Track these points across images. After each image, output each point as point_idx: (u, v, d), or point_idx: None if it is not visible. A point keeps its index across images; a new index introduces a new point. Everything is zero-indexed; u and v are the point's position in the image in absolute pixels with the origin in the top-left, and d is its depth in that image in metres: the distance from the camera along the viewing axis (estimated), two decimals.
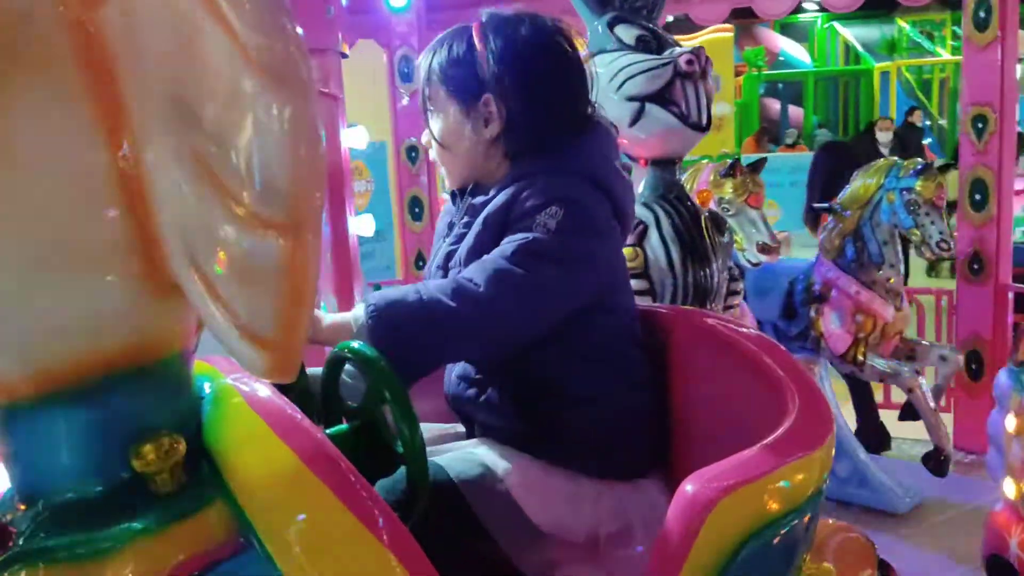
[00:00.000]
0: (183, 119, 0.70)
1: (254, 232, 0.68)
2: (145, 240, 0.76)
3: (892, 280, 3.46)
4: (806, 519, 1.05)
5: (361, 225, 3.57)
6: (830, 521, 1.36)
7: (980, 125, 3.96)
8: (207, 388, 0.98)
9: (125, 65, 0.72)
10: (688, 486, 0.98)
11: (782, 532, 1.02)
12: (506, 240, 1.26)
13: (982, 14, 3.89)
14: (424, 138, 1.44)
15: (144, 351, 0.85)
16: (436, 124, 1.40)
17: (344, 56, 3.38)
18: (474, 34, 1.35)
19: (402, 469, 1.05)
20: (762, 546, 0.99)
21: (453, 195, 1.47)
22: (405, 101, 4.60)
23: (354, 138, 3.50)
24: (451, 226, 1.43)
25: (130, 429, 0.84)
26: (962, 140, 4.09)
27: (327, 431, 1.06)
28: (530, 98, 1.34)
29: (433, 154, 1.45)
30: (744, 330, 1.33)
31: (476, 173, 1.40)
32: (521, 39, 1.34)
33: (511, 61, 1.32)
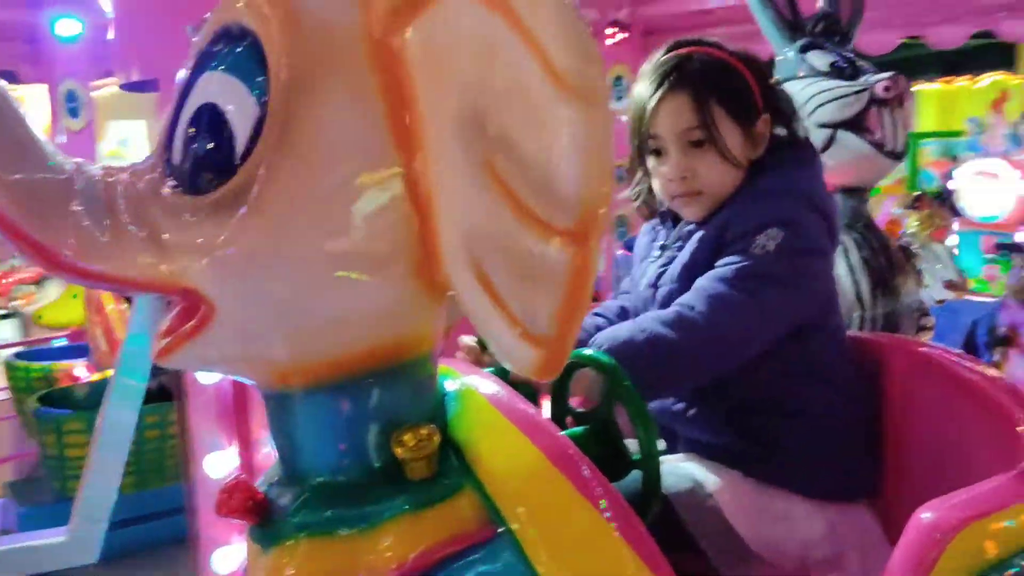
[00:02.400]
0: (477, 132, 0.76)
1: (541, 237, 0.74)
2: (423, 245, 0.83)
3: None
4: None
5: None
6: None
7: None
8: (448, 386, 1.05)
9: (424, 83, 0.78)
10: (925, 513, 0.97)
11: (1020, 569, 0.98)
12: (722, 262, 1.28)
13: None
14: (680, 172, 1.37)
15: (405, 348, 0.91)
16: (708, 152, 1.35)
17: None
18: (729, 60, 1.38)
19: (632, 475, 1.08)
20: None
21: (662, 216, 1.50)
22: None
23: None
24: (663, 248, 1.45)
25: (388, 419, 0.90)
26: None
27: (564, 432, 1.11)
28: (780, 118, 1.39)
29: (675, 187, 1.39)
30: (969, 363, 1.29)
31: (724, 198, 1.38)
32: (764, 65, 1.41)
33: (767, 85, 1.39)
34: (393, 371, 0.91)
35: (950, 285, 2.87)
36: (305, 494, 0.92)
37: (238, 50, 0.81)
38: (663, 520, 1.21)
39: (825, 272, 1.37)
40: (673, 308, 1.27)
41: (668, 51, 1.40)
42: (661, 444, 1.45)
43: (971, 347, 3.45)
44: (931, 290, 2.94)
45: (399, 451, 0.89)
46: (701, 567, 1.25)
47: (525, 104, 0.72)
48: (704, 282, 1.28)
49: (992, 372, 1.29)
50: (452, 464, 0.94)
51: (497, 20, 0.72)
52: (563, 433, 1.06)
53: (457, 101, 0.77)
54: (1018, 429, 1.12)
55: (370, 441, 0.91)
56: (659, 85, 1.36)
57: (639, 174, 1.48)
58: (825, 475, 1.30)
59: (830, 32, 2.53)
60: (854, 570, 1.23)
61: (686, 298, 1.27)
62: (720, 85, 1.36)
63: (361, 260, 0.82)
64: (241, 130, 0.79)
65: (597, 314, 1.55)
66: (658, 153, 1.40)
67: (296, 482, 0.93)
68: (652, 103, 1.36)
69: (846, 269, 2.39)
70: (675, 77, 1.36)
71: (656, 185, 1.43)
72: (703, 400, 1.35)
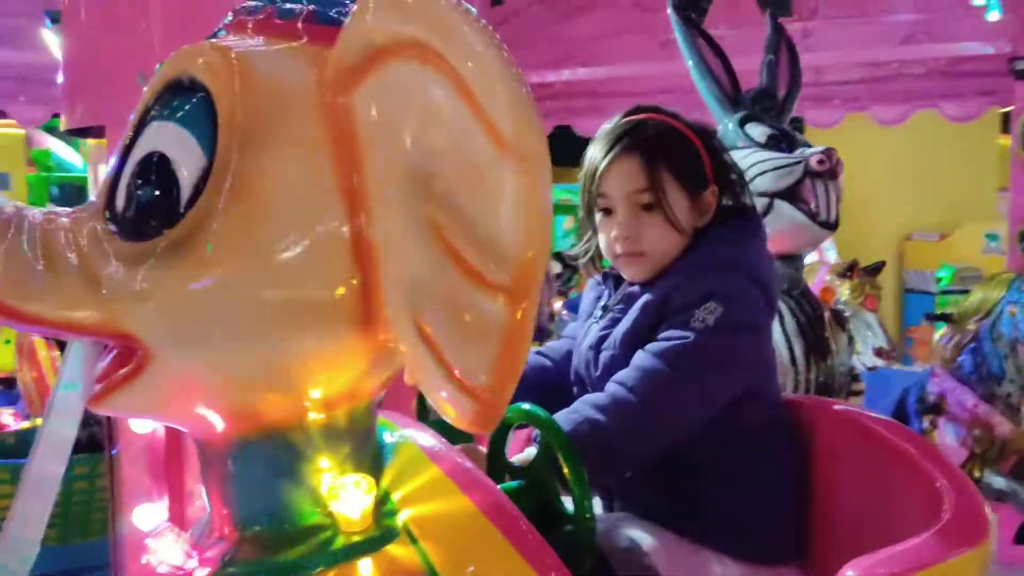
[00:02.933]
0: (422, 190, 0.78)
1: (481, 292, 0.76)
2: (365, 298, 0.84)
3: (1012, 395, 3.35)
4: None
5: None
6: None
7: None
8: (387, 438, 1.05)
9: (370, 142, 0.81)
10: (848, 573, 0.99)
11: None
12: (662, 335, 1.31)
13: None
14: (625, 232, 1.39)
15: (344, 399, 0.92)
16: (655, 216, 1.38)
17: None
18: (683, 130, 1.43)
19: (567, 530, 1.09)
20: None
21: (605, 276, 1.53)
22: None
23: None
24: (605, 308, 1.48)
25: (325, 471, 0.90)
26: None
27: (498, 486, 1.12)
28: (728, 190, 1.44)
29: (619, 247, 1.41)
30: (889, 423, 1.34)
31: (667, 263, 1.41)
32: (715, 135, 1.47)
33: (718, 156, 1.45)
34: (332, 422, 0.91)
35: (880, 352, 2.96)
36: (238, 545, 0.91)
37: (188, 102, 0.82)
38: None
39: (761, 344, 1.41)
40: (609, 390, 1.29)
41: (625, 116, 1.45)
42: (598, 502, 1.46)
43: (902, 414, 3.52)
44: (862, 357, 3.02)
45: (334, 502, 0.89)
46: None
47: (468, 165, 0.75)
48: (643, 359, 1.30)
49: (913, 434, 1.33)
50: (388, 518, 0.94)
51: (443, 83, 0.75)
52: (499, 487, 1.07)
53: (402, 160, 0.79)
54: (937, 487, 1.16)
55: (305, 492, 0.91)
56: (612, 146, 1.40)
57: (588, 232, 1.51)
58: (756, 538, 1.33)
59: (768, 106, 2.64)
60: None
61: (624, 375, 1.29)
62: (672, 152, 1.40)
63: (301, 312, 0.83)
64: (187, 179, 0.80)
65: (541, 353, 1.58)
66: (607, 212, 1.43)
67: (231, 532, 0.92)
68: (604, 163, 1.40)
69: (781, 334, 2.45)
70: (628, 140, 1.40)
71: (601, 243, 1.46)
72: None
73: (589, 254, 1.53)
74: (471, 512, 0.92)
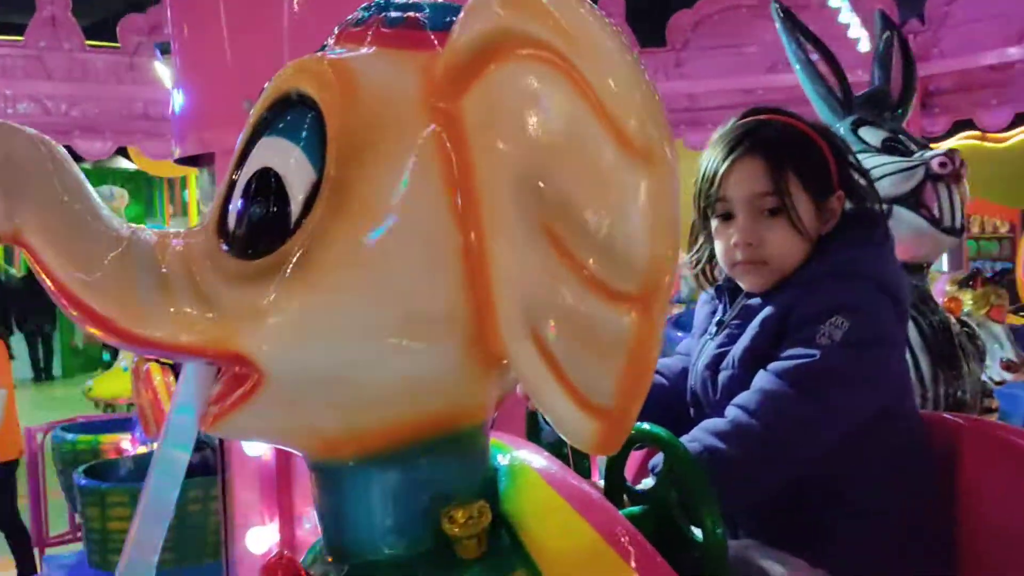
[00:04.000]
0: (535, 197, 0.74)
1: (604, 303, 0.71)
2: (478, 313, 0.81)
3: None
4: None
5: None
6: None
7: None
8: (500, 460, 1.01)
9: (481, 148, 0.78)
10: None
11: None
12: (785, 354, 1.23)
13: None
14: (747, 238, 1.32)
15: (457, 419, 0.89)
16: (779, 221, 1.31)
17: None
18: (807, 131, 1.36)
19: (693, 556, 1.02)
20: None
21: (719, 289, 1.46)
22: None
23: None
24: (720, 324, 1.41)
25: (439, 494, 0.87)
26: None
27: (621, 511, 1.06)
28: (855, 196, 1.37)
29: (740, 254, 1.34)
30: None
31: (789, 272, 1.33)
32: (842, 141, 1.39)
33: (844, 160, 1.37)
34: (444, 443, 0.88)
35: (1009, 366, 2.78)
36: (350, 572, 0.88)
37: (296, 116, 0.81)
38: None
39: (894, 359, 1.31)
40: (729, 415, 1.22)
41: (743, 116, 1.39)
42: None
43: None
44: (990, 371, 2.85)
45: (449, 528, 0.86)
46: None
47: (587, 167, 0.71)
48: (764, 380, 1.22)
49: None
50: (504, 543, 0.90)
51: (561, 82, 0.71)
52: (620, 512, 1.02)
53: (514, 166, 0.76)
54: None
55: (419, 516, 0.88)
56: (734, 148, 1.33)
57: (701, 239, 1.45)
58: (895, 566, 1.23)
59: (882, 108, 2.52)
60: None
61: (745, 399, 1.22)
62: (796, 155, 1.33)
63: (413, 328, 0.80)
64: (297, 194, 0.78)
65: (657, 371, 1.50)
66: (725, 217, 1.36)
67: (341, 559, 0.91)
68: (725, 165, 1.33)
69: (906, 348, 2.32)
70: (751, 141, 1.33)
71: (719, 250, 1.39)
72: None
73: (701, 264, 1.47)
74: (591, 537, 0.87)
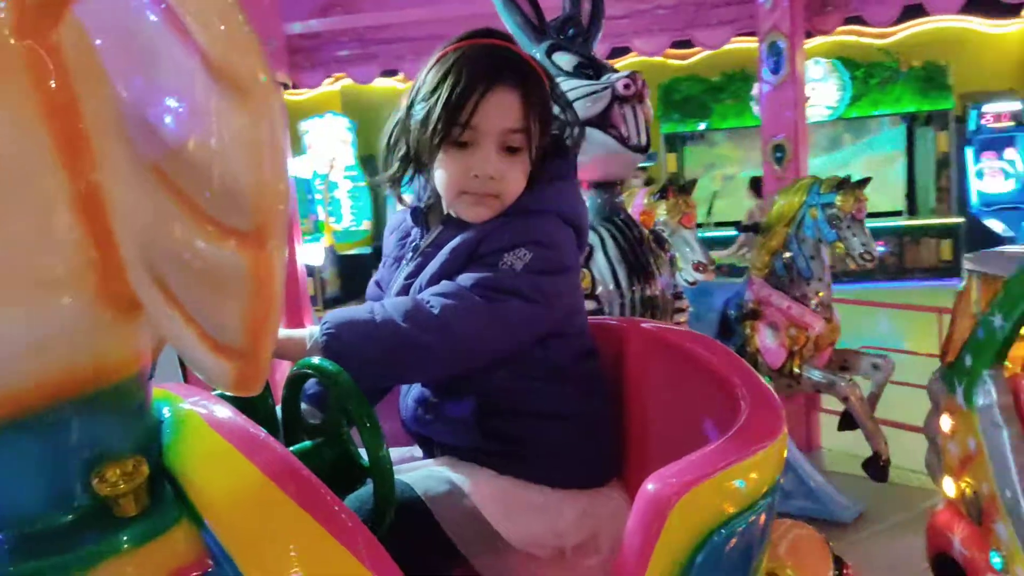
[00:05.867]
0: (142, 134, 0.70)
1: (218, 242, 0.69)
2: (104, 260, 0.76)
3: (821, 293, 3.58)
4: (763, 515, 1.07)
5: None
6: (784, 520, 1.40)
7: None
8: (166, 412, 0.98)
9: (84, 84, 0.72)
10: (649, 485, 1.00)
11: (741, 528, 1.04)
12: (469, 270, 1.27)
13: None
14: (490, 171, 1.30)
15: (102, 373, 0.84)
16: (518, 158, 1.31)
17: (285, 87, 3.43)
18: (537, 66, 1.34)
19: (369, 484, 1.05)
20: (723, 541, 1.01)
21: (416, 213, 1.45)
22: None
23: (297, 167, 3.56)
24: (416, 249, 1.43)
25: (91, 453, 0.83)
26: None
27: (291, 448, 1.06)
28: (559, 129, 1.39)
29: (476, 185, 1.31)
30: (691, 335, 1.37)
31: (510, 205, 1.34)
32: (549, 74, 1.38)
33: (560, 93, 1.40)
34: (92, 399, 0.83)
35: (698, 266, 3.08)
36: (4, 546, 0.82)
37: None
38: (420, 525, 1.19)
39: (568, 284, 1.36)
40: (411, 297, 1.25)
41: (465, 39, 1.32)
42: (416, 450, 1.43)
43: (726, 325, 3.71)
44: (683, 273, 3.13)
45: (101, 488, 0.82)
46: (466, 567, 1.24)
47: (187, 100, 0.67)
48: (446, 284, 1.27)
49: (711, 341, 1.37)
50: (167, 496, 0.88)
51: (150, 10, 0.67)
52: (291, 449, 1.02)
53: (119, 102, 0.71)
54: (735, 391, 1.20)
55: (72, 479, 0.83)
56: (492, 77, 1.27)
57: (399, 158, 1.38)
58: (572, 466, 1.34)
59: (574, 34, 2.63)
60: (606, 551, 1.27)
61: (426, 293, 1.26)
62: (539, 92, 1.31)
63: (33, 284, 0.74)
64: None
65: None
66: (462, 146, 1.31)
67: None
68: (478, 94, 1.26)
69: (604, 260, 2.49)
70: (509, 73, 1.28)
71: (444, 177, 1.33)
72: (452, 406, 1.34)
73: (396, 183, 1.41)
74: (257, 479, 0.87)
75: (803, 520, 3.33)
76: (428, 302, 1.22)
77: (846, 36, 10.81)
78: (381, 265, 1.51)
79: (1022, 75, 11.62)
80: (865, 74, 11.82)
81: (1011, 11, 10.30)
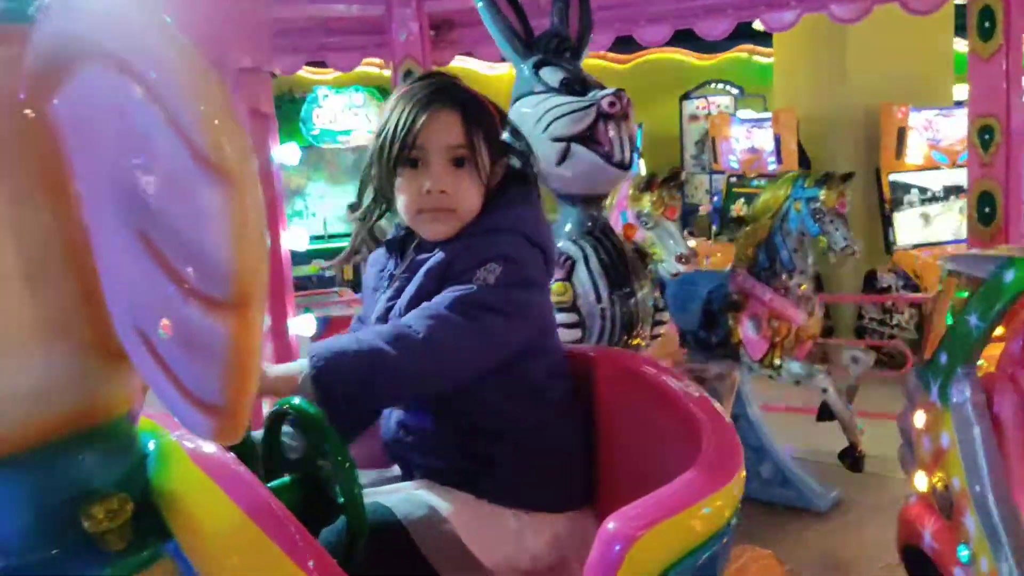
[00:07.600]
0: (130, 201, 0.74)
1: (201, 309, 0.73)
2: (94, 310, 0.81)
3: (803, 286, 3.62)
4: (718, 551, 1.13)
5: None
6: (745, 548, 1.45)
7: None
8: (151, 445, 1.02)
9: (77, 153, 0.77)
10: (610, 524, 1.05)
11: (700, 562, 1.10)
12: (446, 291, 1.33)
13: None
14: (440, 185, 1.41)
15: (91, 415, 0.88)
16: (466, 170, 1.42)
17: (274, 76, 3.47)
18: (484, 99, 1.47)
19: (343, 518, 1.10)
20: None
21: (390, 247, 1.53)
22: None
23: (285, 154, 3.63)
24: (391, 277, 1.48)
25: (79, 491, 0.87)
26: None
27: (270, 484, 1.11)
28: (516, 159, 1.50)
29: (430, 201, 1.42)
30: (663, 367, 1.42)
31: (467, 224, 1.44)
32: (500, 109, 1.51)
33: (513, 128, 1.52)
34: (82, 439, 0.88)
35: (680, 258, 3.12)
36: None
37: None
38: (400, 549, 1.24)
39: (541, 302, 1.45)
40: (393, 324, 1.31)
41: (422, 78, 1.48)
42: (395, 471, 1.48)
43: (709, 316, 3.73)
44: (666, 265, 3.16)
45: (88, 525, 0.86)
46: None
47: (171, 179, 0.72)
48: (425, 306, 1.33)
49: (672, 371, 1.43)
50: (151, 530, 0.92)
51: (135, 91, 0.71)
52: (270, 485, 1.06)
53: (110, 171, 0.75)
54: (696, 422, 1.25)
55: (60, 516, 0.87)
56: (432, 102, 1.41)
57: (370, 195, 1.50)
58: (545, 490, 1.39)
59: (562, 48, 2.66)
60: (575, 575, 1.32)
61: (407, 318, 1.32)
62: (482, 115, 1.45)
63: (20, 329, 0.79)
64: None
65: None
66: (414, 165, 1.42)
67: None
68: (424, 117, 1.40)
69: (586, 274, 2.52)
70: (447, 97, 1.42)
71: (404, 200, 1.44)
72: (432, 429, 1.39)
73: (371, 220, 1.52)
74: (235, 514, 0.92)
75: (779, 508, 3.38)
76: (411, 326, 1.28)
77: None
78: (362, 299, 1.57)
79: None
80: None
81: None
